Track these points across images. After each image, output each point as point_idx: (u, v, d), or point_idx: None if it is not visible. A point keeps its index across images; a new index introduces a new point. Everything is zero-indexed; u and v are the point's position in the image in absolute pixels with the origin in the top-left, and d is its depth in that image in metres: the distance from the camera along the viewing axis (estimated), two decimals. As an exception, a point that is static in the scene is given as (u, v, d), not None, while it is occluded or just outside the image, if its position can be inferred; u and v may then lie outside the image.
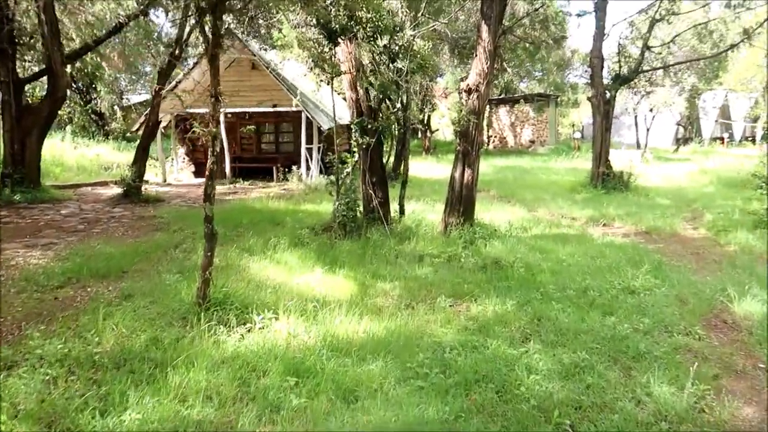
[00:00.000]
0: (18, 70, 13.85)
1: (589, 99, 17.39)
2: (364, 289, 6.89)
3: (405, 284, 7.13)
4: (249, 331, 5.32)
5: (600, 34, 16.36)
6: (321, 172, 19.82)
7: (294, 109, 18.62)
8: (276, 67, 19.19)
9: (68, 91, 31.13)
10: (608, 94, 16.92)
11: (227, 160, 19.98)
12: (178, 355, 4.75)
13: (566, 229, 11.19)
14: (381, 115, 9.94)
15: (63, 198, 14.04)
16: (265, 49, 19.52)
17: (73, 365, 4.56)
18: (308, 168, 19.32)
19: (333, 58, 9.06)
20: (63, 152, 23.23)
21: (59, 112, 29.57)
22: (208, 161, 5.67)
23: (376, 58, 9.64)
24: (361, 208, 10.05)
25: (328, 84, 10.93)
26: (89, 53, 13.76)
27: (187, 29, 14.23)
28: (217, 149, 5.68)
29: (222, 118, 19.48)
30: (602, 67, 16.78)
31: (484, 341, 5.19)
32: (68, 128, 28.31)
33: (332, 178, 10.09)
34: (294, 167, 19.19)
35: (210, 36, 5.37)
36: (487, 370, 4.51)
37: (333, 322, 5.55)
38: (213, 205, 5.72)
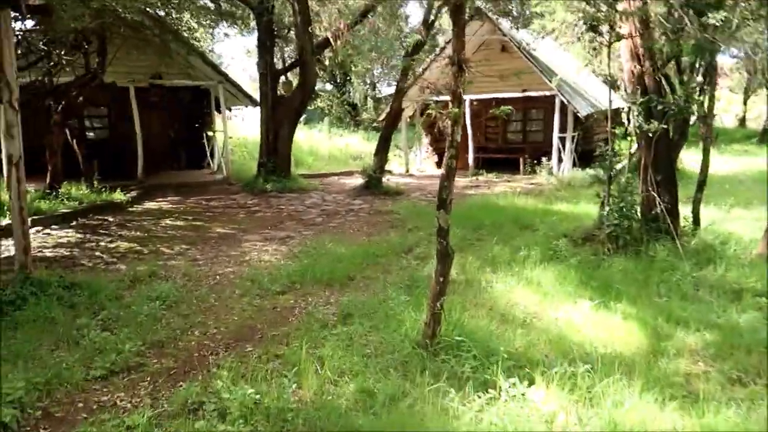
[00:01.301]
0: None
1: None
2: (656, 341, 4.74)
3: (721, 338, 4.77)
4: (491, 400, 3.68)
5: None
6: (574, 164, 17.36)
7: (547, 93, 16.50)
8: (528, 47, 17.26)
9: (329, 85, 33.44)
10: None
11: (470, 151, 18.70)
12: (390, 428, 3.35)
13: None
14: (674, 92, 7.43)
15: (309, 188, 14.18)
16: (517, 28, 17.72)
17: (258, 422, 3.45)
18: (560, 159, 16.99)
19: (612, 17, 6.86)
20: (319, 142, 24.56)
21: (320, 104, 31.90)
22: (446, 155, 4.16)
23: (673, 13, 7.15)
24: (639, 215, 7.69)
25: (594, 58, 8.74)
26: (338, 42, 13.56)
27: (434, 10, 13.14)
28: (458, 137, 4.13)
29: (467, 106, 18.24)
30: None
31: None
32: (326, 119, 30.20)
33: (591, 172, 7.93)
34: (543, 159, 17.08)
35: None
36: None
37: (618, 404, 3.60)
38: (449, 213, 4.20)
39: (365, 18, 14.68)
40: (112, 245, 8.15)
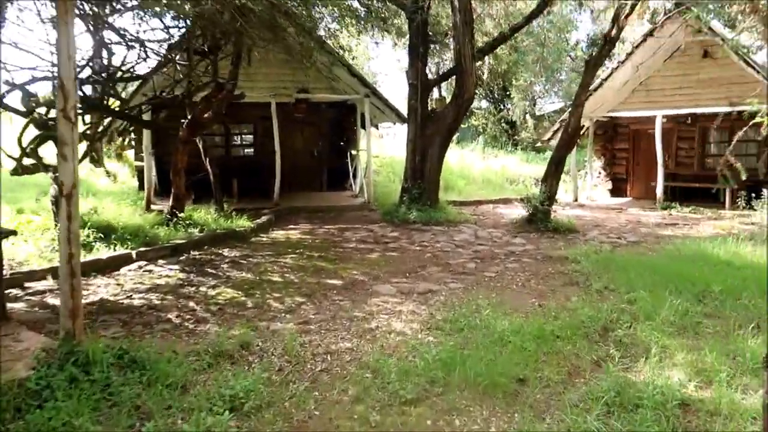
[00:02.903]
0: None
1: None
2: None
3: None
4: None
5: None
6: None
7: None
8: (741, 51, 13.84)
9: (485, 102, 31.11)
10: None
11: (659, 177, 15.34)
12: None
13: None
14: None
15: (459, 219, 11.96)
16: (732, 27, 14.15)
17: None
18: (788, 192, 13.06)
19: None
20: (472, 164, 22.40)
21: (473, 122, 29.66)
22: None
23: None
24: None
25: None
26: (502, 46, 11.36)
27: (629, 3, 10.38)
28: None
29: (658, 123, 15.05)
30: None
31: None
32: (480, 139, 27.94)
33: None
34: (764, 190, 13.28)
35: None
36: None
37: None
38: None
39: (531, 22, 12.41)
40: (213, 292, 6.58)
